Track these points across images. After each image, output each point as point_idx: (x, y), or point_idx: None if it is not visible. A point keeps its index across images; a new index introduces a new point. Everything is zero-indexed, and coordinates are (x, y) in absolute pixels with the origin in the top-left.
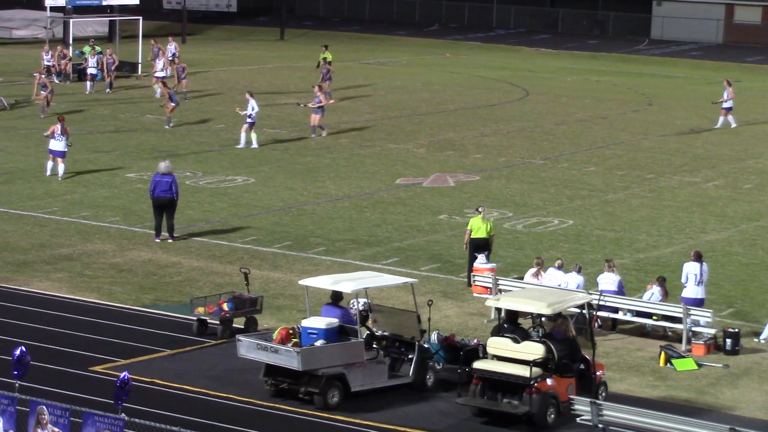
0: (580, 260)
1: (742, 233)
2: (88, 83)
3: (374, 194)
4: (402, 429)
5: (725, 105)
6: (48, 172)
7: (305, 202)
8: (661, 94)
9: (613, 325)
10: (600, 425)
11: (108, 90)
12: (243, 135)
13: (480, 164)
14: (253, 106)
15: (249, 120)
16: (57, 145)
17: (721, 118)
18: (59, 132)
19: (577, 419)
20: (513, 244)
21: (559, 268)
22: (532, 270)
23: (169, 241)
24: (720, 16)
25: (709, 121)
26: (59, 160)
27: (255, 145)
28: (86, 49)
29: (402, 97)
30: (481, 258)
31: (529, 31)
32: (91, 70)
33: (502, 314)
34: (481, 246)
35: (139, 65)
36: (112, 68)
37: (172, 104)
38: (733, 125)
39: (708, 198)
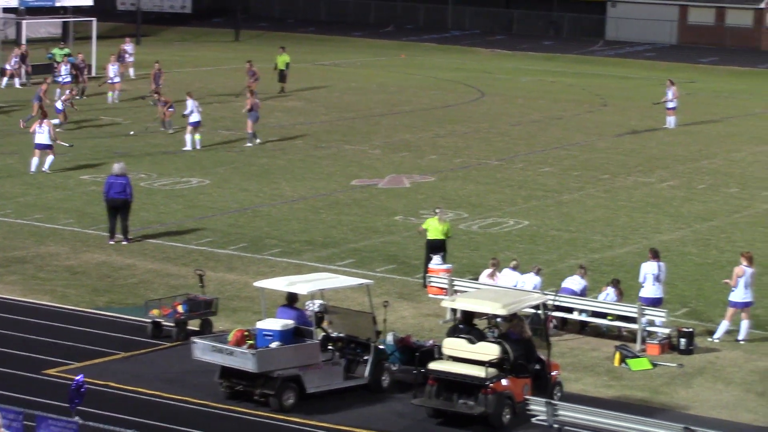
0: (536, 261)
1: (696, 233)
2: (58, 91)
3: (330, 195)
4: (357, 430)
5: (670, 105)
6: (32, 168)
7: (260, 204)
8: (615, 95)
9: (564, 324)
10: (555, 425)
11: (78, 97)
12: (188, 137)
13: (435, 165)
14: (192, 108)
15: (191, 122)
16: (41, 137)
17: (669, 119)
18: (39, 125)
19: (533, 419)
20: (468, 244)
21: (515, 269)
22: (488, 271)
23: (124, 243)
24: (674, 18)
25: (659, 122)
26: (47, 152)
27: (198, 146)
28: (56, 51)
29: (357, 98)
30: (436, 259)
31: (485, 32)
32: (65, 78)
33: (458, 315)
34: (437, 247)
35: (93, 67)
36: (85, 73)
37: (171, 110)
38: (672, 126)
39: (662, 198)
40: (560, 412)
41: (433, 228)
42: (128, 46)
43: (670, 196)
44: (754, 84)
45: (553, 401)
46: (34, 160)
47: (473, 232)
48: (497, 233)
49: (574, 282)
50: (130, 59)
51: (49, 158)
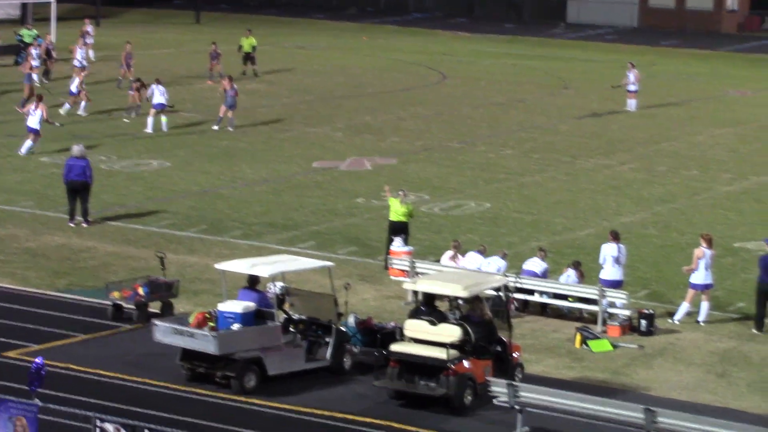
0: (498, 243)
1: (656, 215)
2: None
3: (291, 178)
4: (319, 412)
5: (631, 88)
6: (23, 150)
7: (221, 186)
8: (577, 77)
9: (525, 306)
10: (517, 406)
11: (45, 81)
12: (150, 120)
13: (397, 148)
14: (153, 91)
15: (155, 104)
16: (32, 121)
17: (630, 101)
18: (34, 108)
19: (494, 401)
20: (430, 227)
21: (481, 252)
22: (449, 253)
23: (84, 225)
24: (635, 1)
25: (620, 105)
26: (31, 136)
27: (164, 128)
28: (24, 32)
29: (319, 80)
30: (398, 241)
31: (446, 15)
32: (35, 62)
33: (419, 297)
34: (399, 229)
35: (53, 50)
36: (54, 55)
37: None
38: (632, 109)
39: (623, 181)
40: (521, 394)
41: (395, 210)
42: (89, 28)
43: (631, 179)
44: (715, 67)
45: (514, 383)
46: (27, 143)
47: (435, 215)
48: (459, 216)
49: (535, 264)
50: (89, 41)
51: (28, 143)
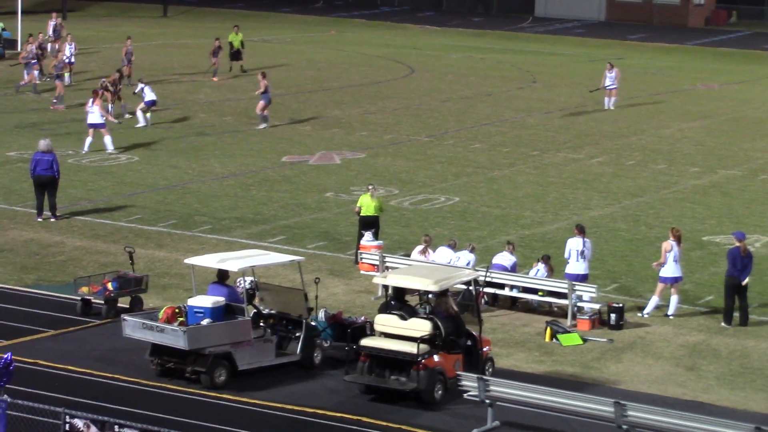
0: (467, 237)
1: (625, 209)
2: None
3: (260, 172)
4: (290, 407)
5: (610, 86)
6: (85, 148)
7: (190, 180)
8: (545, 71)
9: (495, 300)
10: (487, 401)
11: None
12: (140, 113)
13: (366, 142)
14: (144, 89)
15: (147, 101)
16: (92, 117)
17: (612, 99)
18: (91, 104)
19: (465, 395)
20: (400, 221)
21: (451, 247)
22: (420, 247)
23: (52, 220)
24: None
25: (591, 98)
26: (102, 131)
27: (146, 123)
28: None
29: (287, 74)
30: (368, 235)
31: (414, 9)
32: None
33: (389, 292)
34: (370, 223)
35: (19, 42)
36: (47, 53)
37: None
38: (609, 108)
39: (592, 174)
40: (492, 388)
41: (366, 204)
42: (56, 21)
43: (599, 173)
44: (682, 60)
45: (484, 377)
46: (88, 140)
47: (404, 209)
48: (428, 210)
49: (504, 258)
50: (59, 35)
51: (107, 138)
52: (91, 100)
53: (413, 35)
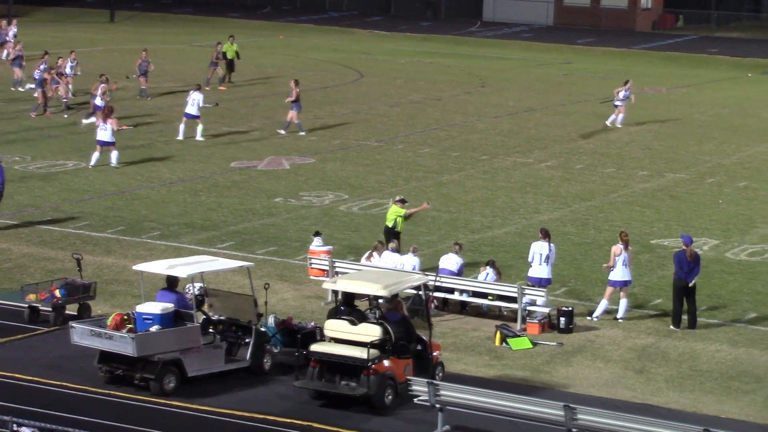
0: (416, 242)
1: (574, 213)
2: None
3: (209, 178)
4: (239, 413)
5: (618, 103)
6: (92, 162)
7: (138, 187)
8: (493, 76)
9: (445, 305)
10: (437, 405)
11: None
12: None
13: (315, 147)
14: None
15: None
16: (102, 134)
17: (619, 116)
18: (102, 121)
19: (415, 400)
20: (349, 226)
21: (394, 250)
22: (367, 253)
23: None
24: None
25: (539, 102)
26: (110, 148)
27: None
28: None
29: (235, 79)
30: (317, 240)
31: (363, 14)
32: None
33: (339, 297)
34: (390, 233)
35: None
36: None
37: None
38: (611, 122)
39: (541, 179)
40: (442, 392)
41: (388, 215)
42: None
43: (548, 177)
44: (630, 64)
45: (434, 381)
46: (95, 155)
47: (354, 214)
48: (378, 214)
49: (451, 261)
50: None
51: (114, 153)
52: (102, 117)
53: (362, 40)
